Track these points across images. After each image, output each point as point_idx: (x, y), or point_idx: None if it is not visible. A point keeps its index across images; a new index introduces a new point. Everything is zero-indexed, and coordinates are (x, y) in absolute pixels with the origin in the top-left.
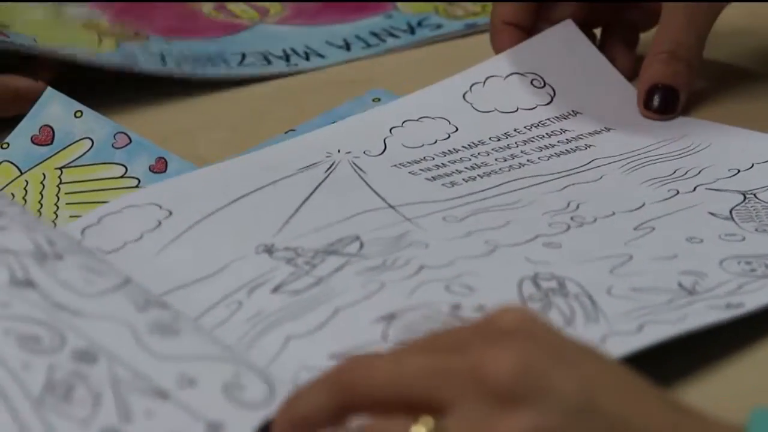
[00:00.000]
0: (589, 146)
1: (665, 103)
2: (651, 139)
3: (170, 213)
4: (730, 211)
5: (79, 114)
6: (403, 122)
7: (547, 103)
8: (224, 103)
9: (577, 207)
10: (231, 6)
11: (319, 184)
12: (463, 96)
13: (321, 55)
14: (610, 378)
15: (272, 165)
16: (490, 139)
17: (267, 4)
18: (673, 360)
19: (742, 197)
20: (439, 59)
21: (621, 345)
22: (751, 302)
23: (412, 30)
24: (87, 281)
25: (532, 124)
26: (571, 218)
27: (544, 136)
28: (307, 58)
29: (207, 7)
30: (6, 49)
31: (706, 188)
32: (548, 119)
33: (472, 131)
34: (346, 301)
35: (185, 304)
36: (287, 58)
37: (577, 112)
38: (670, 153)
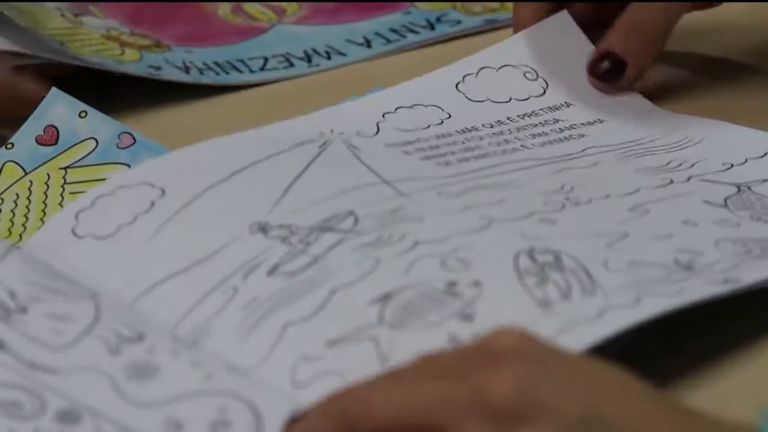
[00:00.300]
0: (582, 136)
1: (609, 71)
2: (643, 133)
3: (163, 192)
4: (725, 200)
5: (83, 114)
6: (396, 108)
7: (540, 95)
8: (228, 103)
9: (572, 189)
10: (247, 7)
11: (313, 160)
12: (456, 86)
13: (342, 53)
14: (612, 388)
15: (264, 141)
16: (483, 125)
17: (284, 3)
18: (675, 360)
19: (736, 189)
20: (456, 57)
21: (619, 318)
22: (748, 277)
23: (431, 26)
24: (56, 332)
25: (525, 114)
26: (566, 198)
27: (537, 125)
28: (329, 57)
29: (223, 10)
30: (39, 56)
31: (700, 179)
32: (541, 110)
33: (465, 118)
34: (341, 281)
35: (182, 292)
36: (309, 59)
37: (570, 104)
38: (663, 146)
